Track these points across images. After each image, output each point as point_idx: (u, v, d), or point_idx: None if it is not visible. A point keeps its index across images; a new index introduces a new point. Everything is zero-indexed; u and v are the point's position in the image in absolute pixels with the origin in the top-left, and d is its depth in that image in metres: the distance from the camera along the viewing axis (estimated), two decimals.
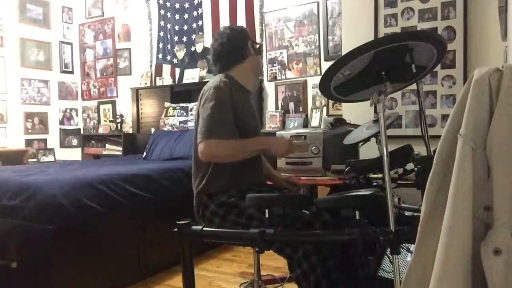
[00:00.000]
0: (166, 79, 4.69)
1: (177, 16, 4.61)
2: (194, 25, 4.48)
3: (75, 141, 5.41)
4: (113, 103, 5.24)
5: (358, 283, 1.54)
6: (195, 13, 4.47)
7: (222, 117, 1.70)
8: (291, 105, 3.90)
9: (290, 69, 3.91)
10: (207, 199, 1.72)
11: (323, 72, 1.45)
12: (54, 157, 5.00)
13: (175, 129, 4.12)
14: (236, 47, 1.88)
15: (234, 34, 1.89)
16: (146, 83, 4.81)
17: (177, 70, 4.66)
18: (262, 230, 1.32)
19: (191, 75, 4.44)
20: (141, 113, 4.82)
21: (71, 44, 5.42)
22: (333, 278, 1.43)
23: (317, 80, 3.54)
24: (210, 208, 1.71)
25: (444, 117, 2.66)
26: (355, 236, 1.20)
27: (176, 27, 4.62)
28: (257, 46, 1.97)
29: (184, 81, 4.51)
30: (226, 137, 1.68)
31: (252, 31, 4.05)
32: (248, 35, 1.95)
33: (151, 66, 4.86)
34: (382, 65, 1.31)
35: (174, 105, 4.29)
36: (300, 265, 1.47)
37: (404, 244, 1.51)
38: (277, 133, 3.01)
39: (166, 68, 4.75)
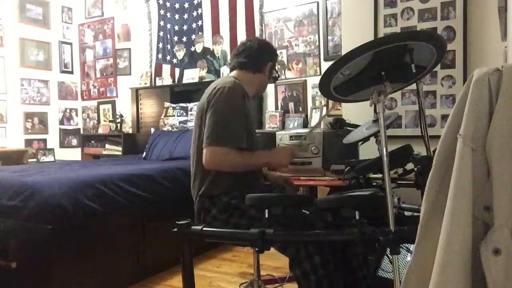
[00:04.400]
0: (166, 79, 4.69)
1: (177, 16, 4.60)
2: (194, 25, 4.48)
3: (74, 141, 5.41)
4: (113, 103, 5.24)
5: (358, 283, 1.54)
6: (195, 13, 4.47)
7: (234, 123, 1.67)
8: (291, 105, 3.90)
9: (290, 69, 3.91)
10: (209, 202, 1.71)
11: (323, 72, 1.45)
12: (54, 157, 5.00)
13: (175, 129, 4.11)
14: (256, 57, 1.90)
15: (262, 46, 1.93)
16: (145, 83, 4.81)
17: (177, 70, 4.66)
18: (262, 230, 1.33)
19: (191, 75, 4.44)
20: (141, 113, 4.82)
21: (70, 44, 5.42)
22: (333, 279, 1.43)
23: (317, 80, 3.54)
24: (212, 213, 1.69)
25: (444, 117, 2.66)
26: (355, 236, 1.20)
27: (176, 27, 4.62)
28: (274, 73, 1.99)
29: (184, 81, 4.51)
30: (235, 147, 1.65)
31: (252, 31, 4.05)
32: (273, 57, 1.97)
33: (150, 66, 4.86)
34: (382, 65, 1.31)
35: (173, 105, 4.29)
36: (301, 264, 1.47)
37: (404, 244, 1.51)
38: (277, 133, 3.01)
39: (166, 68, 4.75)
